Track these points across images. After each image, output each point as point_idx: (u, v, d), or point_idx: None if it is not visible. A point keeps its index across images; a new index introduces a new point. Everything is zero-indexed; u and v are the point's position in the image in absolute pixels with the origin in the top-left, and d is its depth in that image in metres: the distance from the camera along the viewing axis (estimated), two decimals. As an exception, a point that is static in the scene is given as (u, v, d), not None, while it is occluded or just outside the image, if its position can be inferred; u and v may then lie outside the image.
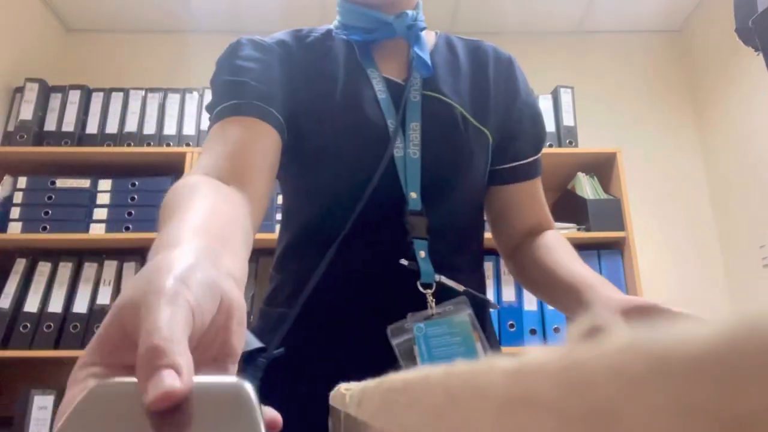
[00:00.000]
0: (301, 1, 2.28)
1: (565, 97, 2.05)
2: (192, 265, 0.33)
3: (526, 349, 0.13)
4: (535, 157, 0.84)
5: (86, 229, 1.86)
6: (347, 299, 0.71)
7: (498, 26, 2.45)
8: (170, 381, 0.25)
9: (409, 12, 0.79)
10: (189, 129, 2.02)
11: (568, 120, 2.02)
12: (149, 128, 2.02)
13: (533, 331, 1.76)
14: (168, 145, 1.99)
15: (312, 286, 0.68)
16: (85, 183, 1.90)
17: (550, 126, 2.01)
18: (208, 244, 0.38)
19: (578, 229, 1.88)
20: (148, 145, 1.99)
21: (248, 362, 0.43)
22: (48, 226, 1.85)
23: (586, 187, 1.94)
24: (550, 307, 1.78)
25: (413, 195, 0.72)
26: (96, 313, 1.76)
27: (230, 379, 0.28)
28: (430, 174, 0.73)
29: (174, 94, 2.06)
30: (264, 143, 0.67)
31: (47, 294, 1.79)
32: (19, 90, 2.05)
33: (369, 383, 0.29)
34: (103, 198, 1.90)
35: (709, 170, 2.31)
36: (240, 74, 0.72)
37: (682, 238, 2.23)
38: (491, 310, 0.81)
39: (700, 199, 2.29)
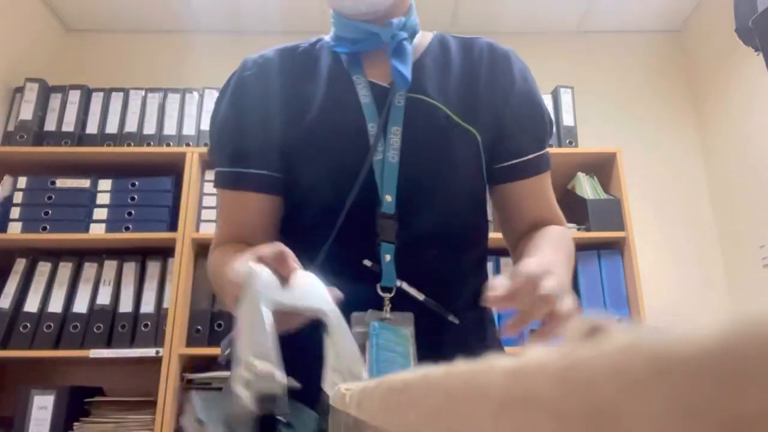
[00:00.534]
0: (301, 1, 2.28)
1: (565, 97, 2.05)
2: None
3: (525, 350, 0.13)
4: (538, 154, 0.82)
5: (86, 229, 1.86)
6: None
7: (498, 26, 2.45)
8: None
9: (395, 21, 0.79)
10: (189, 129, 2.02)
11: (568, 120, 2.02)
12: (149, 128, 2.02)
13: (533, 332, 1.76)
14: (168, 145, 1.99)
15: None
16: (85, 183, 1.90)
17: (550, 126, 2.01)
18: None
19: (578, 229, 1.88)
20: (148, 145, 1.99)
21: None
22: (48, 226, 1.85)
23: (586, 187, 1.94)
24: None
25: (388, 198, 0.72)
26: (96, 313, 1.76)
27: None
28: (408, 178, 0.73)
29: (174, 94, 2.06)
30: (259, 215, 0.78)
31: (47, 294, 1.79)
32: (19, 90, 2.05)
33: (369, 383, 0.29)
34: (103, 198, 1.90)
35: (709, 170, 2.31)
36: (226, 134, 0.80)
37: (682, 238, 2.23)
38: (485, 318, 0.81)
39: (700, 199, 2.29)
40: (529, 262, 0.57)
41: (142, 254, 1.86)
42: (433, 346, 0.70)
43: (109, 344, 1.73)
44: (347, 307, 0.68)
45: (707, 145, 2.33)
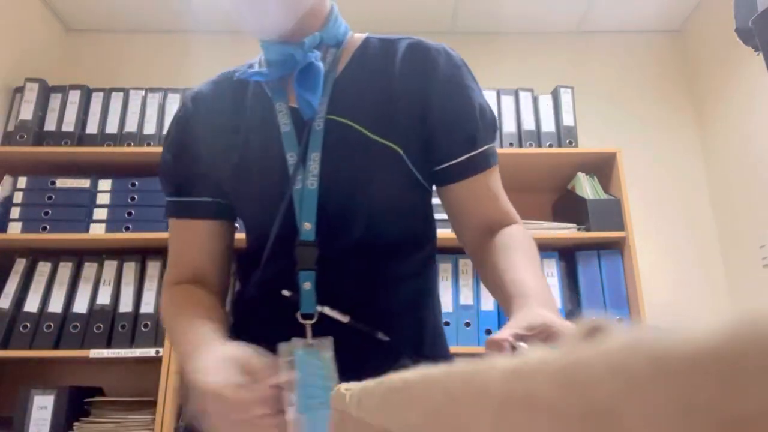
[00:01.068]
0: (301, 1, 2.28)
1: (565, 97, 2.05)
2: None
3: (525, 349, 0.13)
4: (471, 154, 0.77)
5: (86, 229, 1.86)
6: (244, 329, 0.76)
7: (498, 26, 2.45)
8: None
9: (307, 40, 0.76)
10: (189, 129, 2.02)
11: (568, 120, 2.02)
12: (149, 128, 2.02)
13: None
14: (168, 145, 1.99)
15: (233, 322, 0.80)
16: (85, 183, 1.90)
17: (549, 126, 2.01)
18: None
19: (578, 229, 1.88)
20: (148, 145, 1.99)
21: None
22: (48, 226, 1.85)
23: (586, 187, 1.94)
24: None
25: (307, 226, 0.73)
26: (96, 313, 1.76)
27: None
28: (328, 203, 0.73)
29: (174, 94, 2.06)
30: (205, 241, 0.81)
31: (47, 294, 1.79)
32: (19, 90, 2.05)
33: (369, 383, 0.29)
34: (103, 198, 1.90)
35: (709, 170, 2.31)
36: (169, 171, 0.83)
37: (682, 238, 2.23)
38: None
39: (700, 199, 2.29)
40: (528, 313, 0.56)
41: (142, 254, 1.86)
42: (363, 365, 0.70)
43: (109, 344, 1.73)
44: (275, 338, 0.71)
45: (707, 145, 2.33)
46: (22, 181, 1.91)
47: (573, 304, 1.82)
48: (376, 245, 0.76)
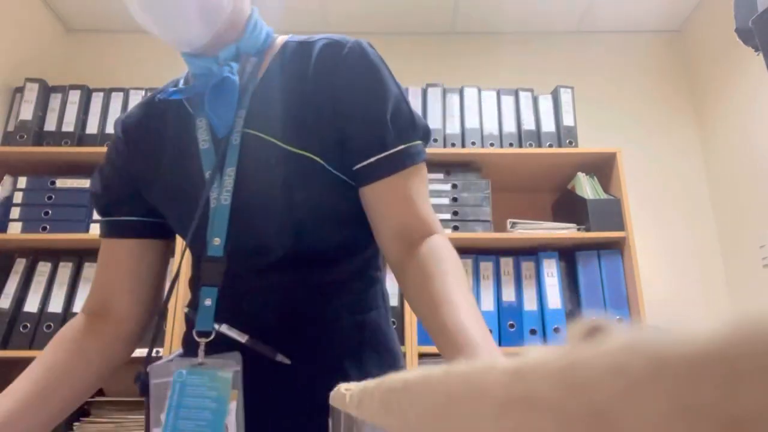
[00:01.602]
0: (301, 1, 2.28)
1: (565, 97, 2.05)
2: None
3: (524, 349, 0.13)
4: (381, 156, 0.73)
5: (86, 229, 1.86)
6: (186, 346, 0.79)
7: (498, 26, 2.45)
8: None
9: (221, 54, 0.75)
10: (189, 129, 2.02)
11: (568, 120, 2.02)
12: (149, 128, 2.02)
13: (533, 332, 1.76)
14: (168, 145, 1.99)
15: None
16: (85, 183, 1.90)
17: (549, 126, 2.01)
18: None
19: (578, 229, 1.88)
20: (148, 145, 1.99)
21: None
22: (48, 226, 1.85)
23: (586, 187, 1.94)
24: (551, 307, 1.78)
25: (216, 241, 0.72)
26: (96, 313, 1.76)
27: None
28: (240, 218, 0.73)
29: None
30: (129, 260, 0.83)
31: (47, 294, 1.79)
32: (19, 90, 2.05)
33: (369, 383, 0.29)
34: (103, 198, 1.90)
35: (709, 170, 2.31)
36: (96, 194, 0.85)
37: (682, 238, 2.23)
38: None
39: (700, 199, 2.29)
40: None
41: (142, 254, 1.86)
42: (265, 387, 0.71)
43: (109, 344, 1.73)
44: (190, 355, 0.72)
45: (707, 145, 2.33)
46: (22, 181, 1.91)
47: (573, 304, 1.82)
48: (307, 256, 0.74)
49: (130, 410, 1.68)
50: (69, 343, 0.78)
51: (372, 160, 0.73)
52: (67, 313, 1.76)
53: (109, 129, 2.02)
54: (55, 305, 1.76)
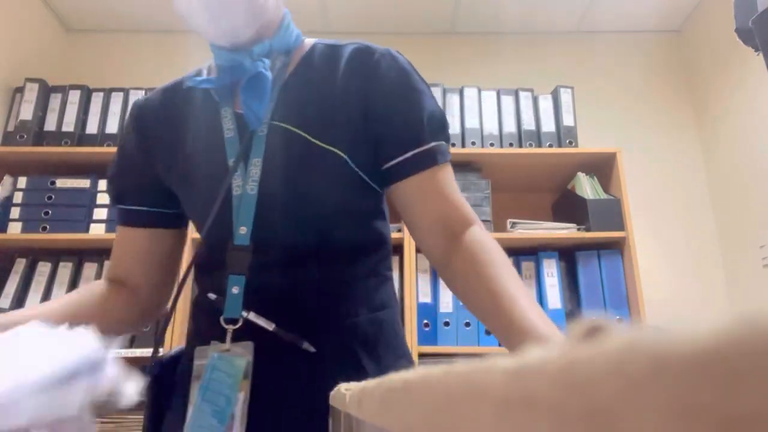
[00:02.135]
0: (301, 1, 2.28)
1: (565, 97, 2.05)
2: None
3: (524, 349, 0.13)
4: (415, 151, 0.75)
5: (86, 229, 1.86)
6: (195, 332, 0.81)
7: (498, 26, 2.45)
8: None
9: (256, 49, 0.77)
10: (189, 129, 2.02)
11: (568, 120, 2.02)
12: (149, 128, 2.02)
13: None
14: (168, 145, 1.99)
15: (191, 326, 0.84)
16: (85, 183, 1.90)
17: (549, 126, 2.01)
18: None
19: (578, 229, 1.88)
20: (148, 145, 1.99)
21: None
22: (48, 226, 1.85)
23: (586, 187, 1.94)
24: (551, 307, 1.78)
25: (242, 230, 0.73)
26: (96, 313, 1.76)
27: None
28: (266, 208, 0.73)
29: (174, 94, 2.06)
30: (138, 248, 0.85)
31: (47, 294, 1.79)
32: (19, 90, 2.05)
33: (369, 383, 0.29)
34: (103, 198, 1.90)
35: (709, 170, 2.31)
36: (112, 177, 0.87)
37: (682, 237, 2.23)
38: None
39: (700, 199, 2.29)
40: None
41: (142, 254, 1.86)
42: (286, 374, 0.71)
43: (109, 344, 1.73)
44: (201, 340, 0.73)
45: (707, 145, 2.33)
46: (22, 181, 1.91)
47: (573, 304, 1.82)
48: (327, 250, 0.75)
49: (130, 410, 1.68)
50: (95, 286, 0.82)
51: (408, 155, 0.75)
52: (67, 313, 1.76)
53: (110, 129, 2.02)
54: (55, 305, 1.76)
